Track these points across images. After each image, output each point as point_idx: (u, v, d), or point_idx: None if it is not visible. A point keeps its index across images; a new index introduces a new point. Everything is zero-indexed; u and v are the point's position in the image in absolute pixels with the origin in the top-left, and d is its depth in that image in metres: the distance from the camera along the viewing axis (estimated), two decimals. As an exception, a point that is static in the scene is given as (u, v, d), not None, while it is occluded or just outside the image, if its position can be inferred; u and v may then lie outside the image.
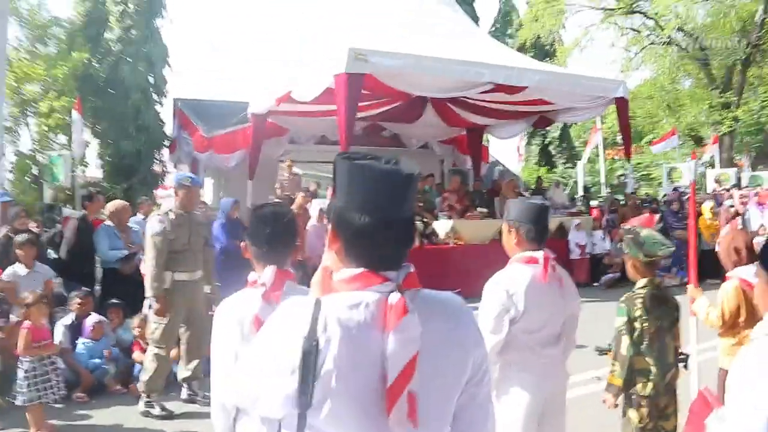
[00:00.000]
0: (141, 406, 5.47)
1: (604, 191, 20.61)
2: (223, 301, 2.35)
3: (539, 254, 2.92)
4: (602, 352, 3.51)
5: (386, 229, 1.38)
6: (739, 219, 12.13)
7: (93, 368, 6.17)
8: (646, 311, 3.23)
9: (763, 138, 25.52)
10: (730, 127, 22.36)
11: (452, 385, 1.44)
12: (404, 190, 1.41)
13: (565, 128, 29.20)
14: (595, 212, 14.83)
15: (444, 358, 1.42)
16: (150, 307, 5.58)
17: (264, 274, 2.32)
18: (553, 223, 12.94)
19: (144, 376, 5.50)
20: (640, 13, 23.92)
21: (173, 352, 5.84)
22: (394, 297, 1.34)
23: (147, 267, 5.41)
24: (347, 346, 1.31)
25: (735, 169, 21.07)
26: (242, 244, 2.51)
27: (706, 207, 13.11)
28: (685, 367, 3.48)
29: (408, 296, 1.36)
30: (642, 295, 3.23)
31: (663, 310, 3.31)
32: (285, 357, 1.30)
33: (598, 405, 3.48)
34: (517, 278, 2.88)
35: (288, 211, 2.57)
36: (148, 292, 5.36)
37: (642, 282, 3.28)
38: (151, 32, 20.24)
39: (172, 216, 5.44)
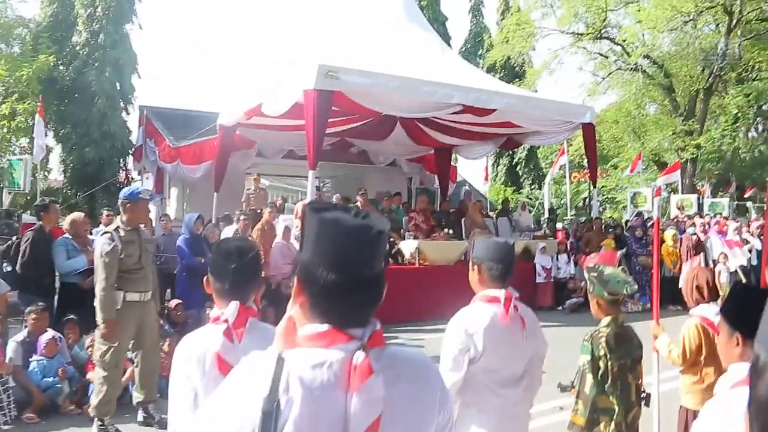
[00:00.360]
0: (94, 429, 5.29)
1: (570, 213, 20.88)
2: (184, 337, 2.29)
3: (501, 293, 2.89)
4: (564, 389, 3.48)
5: (354, 286, 1.33)
6: (701, 256, 12.36)
7: (46, 387, 5.93)
8: (610, 350, 3.22)
9: (724, 166, 26.11)
10: (693, 154, 22.87)
11: None
12: (374, 246, 1.36)
13: (532, 150, 29.58)
14: (560, 235, 14.98)
15: (409, 420, 1.38)
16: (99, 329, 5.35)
17: (227, 310, 2.26)
18: (519, 246, 13.04)
19: (94, 400, 5.29)
20: (608, 39, 24.44)
21: (126, 373, 5.68)
22: (359, 357, 1.30)
23: (97, 288, 5.17)
24: (309, 407, 1.26)
25: (696, 195, 21.52)
26: (204, 279, 2.45)
27: (669, 235, 13.33)
28: (647, 404, 3.49)
29: (373, 355, 1.33)
30: (606, 334, 3.22)
31: (626, 349, 3.31)
32: (245, 416, 1.26)
33: (560, 436, 3.47)
34: (477, 318, 2.86)
35: (253, 247, 2.50)
36: (98, 315, 5.14)
37: (606, 320, 3.27)
38: (120, 37, 19.95)
39: (121, 233, 5.22)
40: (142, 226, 5.61)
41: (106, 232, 5.30)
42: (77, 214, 7.86)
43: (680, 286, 6.33)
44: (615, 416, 3.22)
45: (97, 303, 5.15)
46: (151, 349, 5.44)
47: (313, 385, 1.28)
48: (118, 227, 5.28)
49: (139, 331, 5.37)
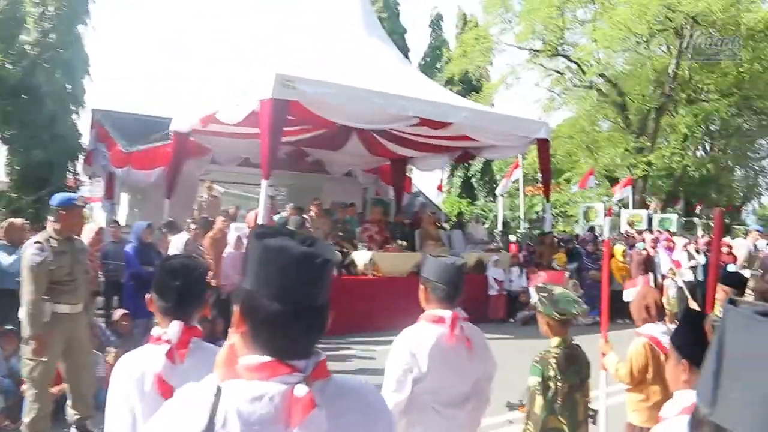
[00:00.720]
0: None
1: (523, 226, 21.14)
2: (123, 357, 2.24)
3: (447, 314, 2.88)
4: (512, 407, 3.49)
5: (297, 317, 1.29)
6: (650, 275, 12.66)
7: (-21, 402, 5.70)
8: (560, 371, 3.23)
9: (673, 183, 26.81)
10: (644, 171, 23.43)
11: None
12: (319, 275, 1.32)
13: (488, 163, 29.93)
14: (513, 248, 15.13)
15: None
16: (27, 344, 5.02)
17: (169, 330, 2.20)
18: (471, 258, 13.15)
19: (26, 419, 5.03)
20: (564, 56, 24.94)
21: (56, 388, 5.45)
22: (301, 390, 1.26)
23: (24, 302, 4.86)
24: None
25: (647, 211, 22.03)
26: (147, 296, 2.36)
27: (618, 250, 13.59)
28: (594, 422, 3.52)
29: (317, 387, 1.29)
30: (556, 355, 3.22)
31: (575, 369, 3.33)
32: None
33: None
34: (421, 338, 2.85)
35: (199, 265, 2.43)
36: (25, 330, 4.86)
37: (555, 341, 3.27)
38: (72, 38, 19.44)
39: (53, 243, 4.94)
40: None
41: (37, 242, 4.96)
42: (13, 221, 7.57)
43: (625, 299, 6.48)
44: (565, 435, 3.24)
45: (24, 316, 4.87)
46: (82, 364, 5.20)
47: (251, 419, 1.24)
48: (49, 237, 5.00)
49: (69, 346, 5.11)
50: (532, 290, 3.36)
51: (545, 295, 3.21)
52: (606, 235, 5.62)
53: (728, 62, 21.88)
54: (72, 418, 5.32)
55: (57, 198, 5.13)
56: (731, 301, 0.70)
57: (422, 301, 2.99)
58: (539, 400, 3.18)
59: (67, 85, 19.33)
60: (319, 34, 12.47)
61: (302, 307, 1.30)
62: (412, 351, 2.81)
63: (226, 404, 1.24)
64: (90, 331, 5.50)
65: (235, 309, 1.33)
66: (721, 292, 4.69)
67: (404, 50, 28.50)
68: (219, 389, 1.27)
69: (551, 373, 3.18)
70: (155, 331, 2.27)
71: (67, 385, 5.31)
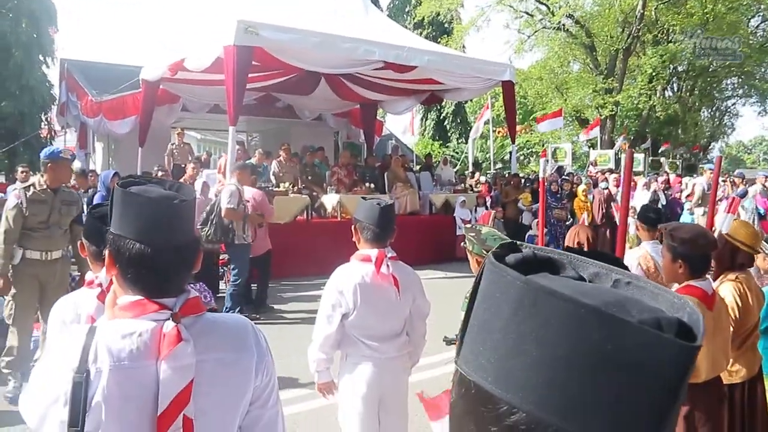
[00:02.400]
0: (9, 387, 5.25)
1: (494, 167, 21.57)
2: (59, 300, 2.33)
3: (374, 252, 3.06)
4: (450, 342, 3.79)
5: (161, 256, 1.37)
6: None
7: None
8: None
9: (640, 123, 27.30)
10: (612, 111, 23.87)
11: (232, 410, 1.46)
12: (177, 216, 1.40)
13: (460, 105, 30.10)
14: (483, 188, 15.59)
15: (223, 386, 1.43)
16: None
17: (101, 274, 2.29)
18: (439, 199, 13.63)
19: (7, 357, 5.30)
20: (534, -3, 24.97)
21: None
22: (168, 325, 1.35)
23: None
24: (117, 376, 1.31)
25: (613, 151, 22.53)
26: (79, 243, 2.48)
27: (580, 189, 14.12)
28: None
29: (187, 323, 1.38)
30: None
31: None
32: (58, 387, 1.30)
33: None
34: (349, 276, 3.04)
35: None
36: None
37: None
38: (36, -12, 19.24)
39: (30, 192, 5.14)
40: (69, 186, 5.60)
41: (15, 189, 5.23)
42: None
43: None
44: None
45: None
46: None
47: (121, 355, 1.33)
48: (31, 185, 5.23)
49: (43, 290, 5.29)
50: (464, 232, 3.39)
51: (473, 234, 3.28)
52: (541, 174, 5.94)
53: (693, 3, 22.13)
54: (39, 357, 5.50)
55: (45, 151, 5.37)
56: (506, 248, 0.64)
57: (356, 242, 3.20)
58: None
59: (33, 35, 19.17)
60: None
61: (164, 247, 1.38)
62: (339, 288, 3.03)
63: (98, 342, 1.33)
64: (83, 279, 5.64)
65: (106, 253, 1.42)
66: (639, 228, 5.07)
67: (375, -7, 28.32)
68: (92, 329, 1.37)
69: None
70: (88, 276, 2.40)
71: (42, 326, 5.48)
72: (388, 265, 3.06)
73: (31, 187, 5.19)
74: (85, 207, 5.77)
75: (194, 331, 1.39)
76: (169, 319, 1.36)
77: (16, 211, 5.06)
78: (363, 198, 3.27)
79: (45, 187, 5.19)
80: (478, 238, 3.23)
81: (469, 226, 3.57)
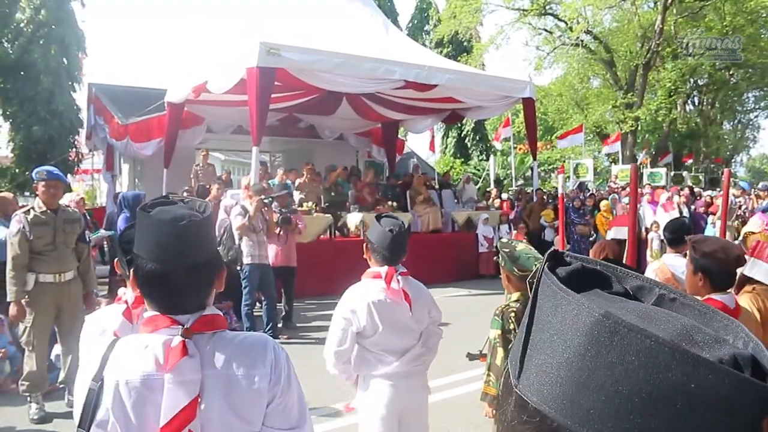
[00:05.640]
0: (33, 408, 5.27)
1: (516, 184, 21.57)
2: (88, 317, 2.41)
3: (384, 269, 3.08)
4: (473, 358, 3.81)
5: (173, 275, 1.43)
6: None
7: (-13, 368, 5.83)
8: (519, 324, 3.38)
9: (661, 137, 27.16)
10: (632, 126, 23.80)
11: (242, 427, 1.47)
12: (186, 236, 1.44)
13: (480, 122, 30.14)
14: (505, 206, 15.61)
15: (233, 402, 1.45)
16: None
17: (129, 291, 2.41)
18: (461, 216, 13.68)
19: (26, 381, 5.30)
20: (552, 15, 25.06)
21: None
22: (176, 340, 1.41)
23: (7, 270, 5.09)
24: (127, 387, 1.39)
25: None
26: (115, 261, 2.57)
27: (603, 204, 14.10)
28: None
29: (198, 339, 1.44)
30: (515, 309, 3.25)
31: None
32: (83, 392, 1.42)
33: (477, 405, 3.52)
34: (361, 294, 3.07)
35: None
36: (8, 296, 5.07)
37: (515, 295, 3.31)
38: (63, 15, 19.71)
39: (31, 215, 5.13)
40: (68, 205, 5.58)
41: (16, 214, 5.22)
42: (6, 194, 7.63)
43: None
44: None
45: (7, 283, 5.11)
46: (71, 330, 5.24)
47: (132, 368, 1.40)
48: (31, 208, 5.22)
49: (60, 312, 5.32)
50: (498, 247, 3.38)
51: (507, 251, 3.25)
52: (560, 190, 5.95)
53: (712, 17, 22.06)
54: (62, 378, 5.63)
55: (34, 171, 5.32)
56: (552, 259, 0.63)
57: (367, 259, 3.22)
58: (500, 352, 3.22)
59: (64, 60, 19.63)
60: (304, 1, 12.73)
61: (175, 267, 1.43)
62: (351, 307, 3.05)
63: (115, 354, 1.43)
64: (88, 297, 5.64)
65: (131, 273, 1.52)
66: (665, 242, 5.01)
67: (392, 14, 28.55)
68: (113, 342, 1.47)
69: (511, 326, 3.21)
70: (120, 292, 2.50)
71: (61, 348, 5.58)
72: (398, 280, 3.08)
73: (32, 210, 5.19)
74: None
75: (206, 347, 1.45)
76: (179, 334, 1.43)
77: (20, 236, 5.05)
78: (377, 217, 3.26)
79: (44, 208, 5.19)
80: (511, 256, 3.22)
81: (505, 240, 3.49)
